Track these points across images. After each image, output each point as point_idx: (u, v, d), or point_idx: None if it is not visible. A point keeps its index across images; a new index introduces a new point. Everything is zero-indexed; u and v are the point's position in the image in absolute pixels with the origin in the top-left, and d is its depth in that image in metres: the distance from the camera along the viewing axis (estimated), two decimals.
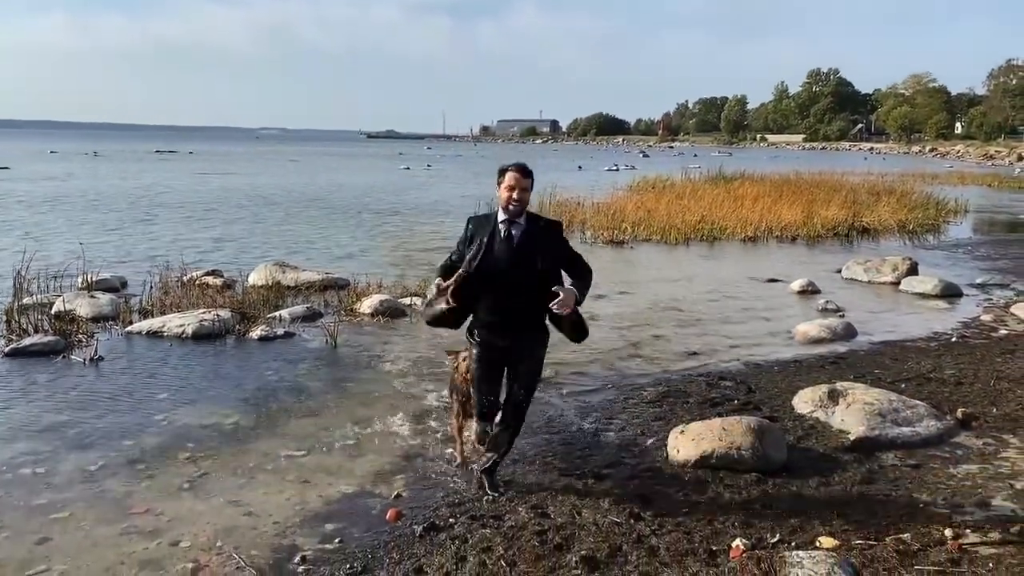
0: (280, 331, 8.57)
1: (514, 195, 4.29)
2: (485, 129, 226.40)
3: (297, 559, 3.98)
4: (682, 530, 4.23)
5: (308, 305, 9.69)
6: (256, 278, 11.05)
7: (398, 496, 4.75)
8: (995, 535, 4.16)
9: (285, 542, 4.18)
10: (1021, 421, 5.95)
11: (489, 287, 4.35)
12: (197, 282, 10.78)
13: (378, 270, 12.29)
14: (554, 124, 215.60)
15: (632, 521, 4.32)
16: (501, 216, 4.39)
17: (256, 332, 8.46)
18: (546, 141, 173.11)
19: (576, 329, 4.53)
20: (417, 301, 10.07)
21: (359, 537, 4.24)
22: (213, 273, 11.33)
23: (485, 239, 4.36)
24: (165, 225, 18.58)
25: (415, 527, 4.29)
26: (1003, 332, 8.93)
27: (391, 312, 9.54)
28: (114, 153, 68.02)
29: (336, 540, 4.19)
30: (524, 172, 4.37)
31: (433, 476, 5.07)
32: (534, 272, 4.31)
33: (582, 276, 4.45)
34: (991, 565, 3.83)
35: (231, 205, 24.00)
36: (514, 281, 4.32)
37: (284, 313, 9.26)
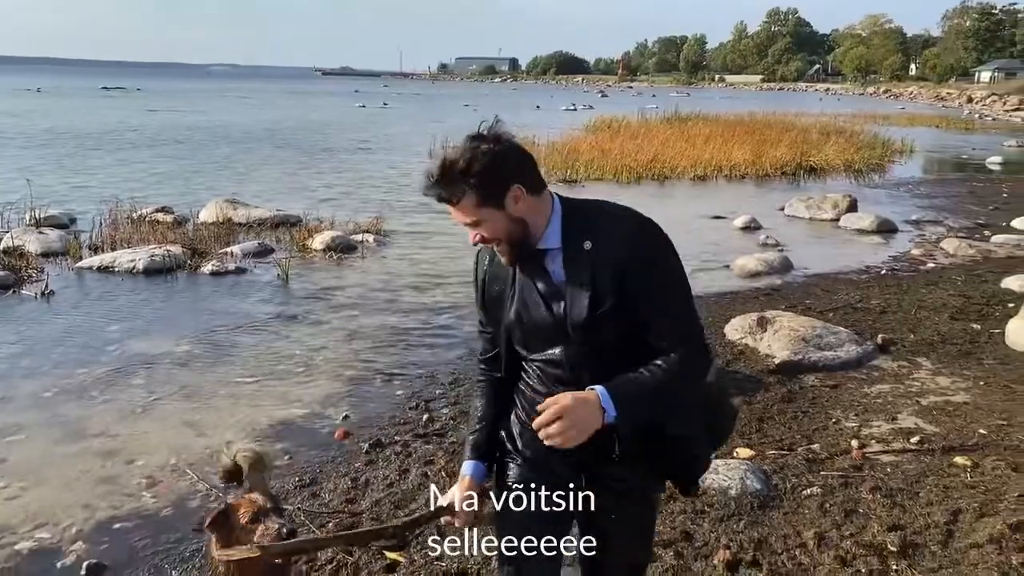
0: (231, 266, 8.67)
1: (473, 238, 1.96)
2: (443, 67, 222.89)
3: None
4: None
5: (260, 241, 9.77)
6: (207, 215, 11.06)
7: (346, 418, 4.99)
8: (896, 445, 4.53)
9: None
10: (935, 345, 6.35)
11: (533, 370, 2.06)
12: (147, 219, 10.75)
13: (331, 207, 12.34)
14: (513, 62, 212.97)
15: None
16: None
17: (207, 267, 8.55)
18: (505, 80, 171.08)
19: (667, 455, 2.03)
20: (369, 238, 10.22)
21: (308, 454, 4.48)
22: (163, 210, 11.29)
23: (509, 286, 2.04)
24: (113, 163, 18.28)
25: (362, 444, 4.55)
26: (930, 265, 9.37)
27: (343, 248, 9.67)
28: (58, 89, 65.80)
29: (286, 457, 4.43)
30: (451, 198, 1.88)
31: (381, 400, 5.31)
32: (608, 326, 1.90)
33: (660, 351, 1.89)
34: (889, 471, 4.20)
35: (181, 142, 23.60)
36: (575, 355, 1.95)
37: (235, 249, 9.33)
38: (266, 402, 5.21)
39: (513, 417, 2.10)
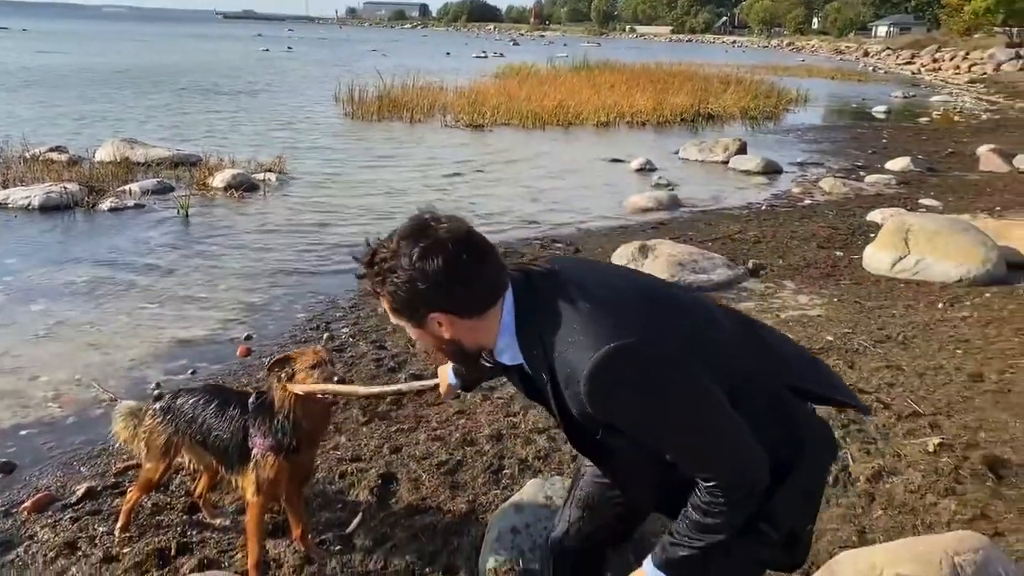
0: (130, 203, 8.64)
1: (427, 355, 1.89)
2: (352, 12, 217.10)
3: (152, 385, 4.43)
4: None
5: (159, 179, 9.69)
6: (104, 154, 10.85)
7: (248, 337, 5.21)
8: None
9: (139, 374, 4.62)
10: (800, 270, 6.96)
11: None
12: (40, 158, 10.49)
13: (232, 148, 12.23)
14: (423, 8, 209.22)
15: None
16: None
17: (106, 204, 8.50)
18: (415, 26, 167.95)
19: None
20: (271, 177, 10.27)
21: (210, 369, 4.71)
22: (57, 149, 11.01)
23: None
24: (2, 103, 17.49)
25: (263, 360, 4.79)
26: (807, 202, 10.05)
27: (245, 187, 9.68)
28: None
29: (189, 371, 4.65)
30: (373, 290, 1.68)
31: (281, 321, 5.55)
32: (611, 444, 1.71)
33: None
34: None
35: (74, 83, 22.61)
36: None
37: (134, 187, 9.25)
38: (167, 325, 5.39)
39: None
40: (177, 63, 34.09)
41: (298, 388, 2.54)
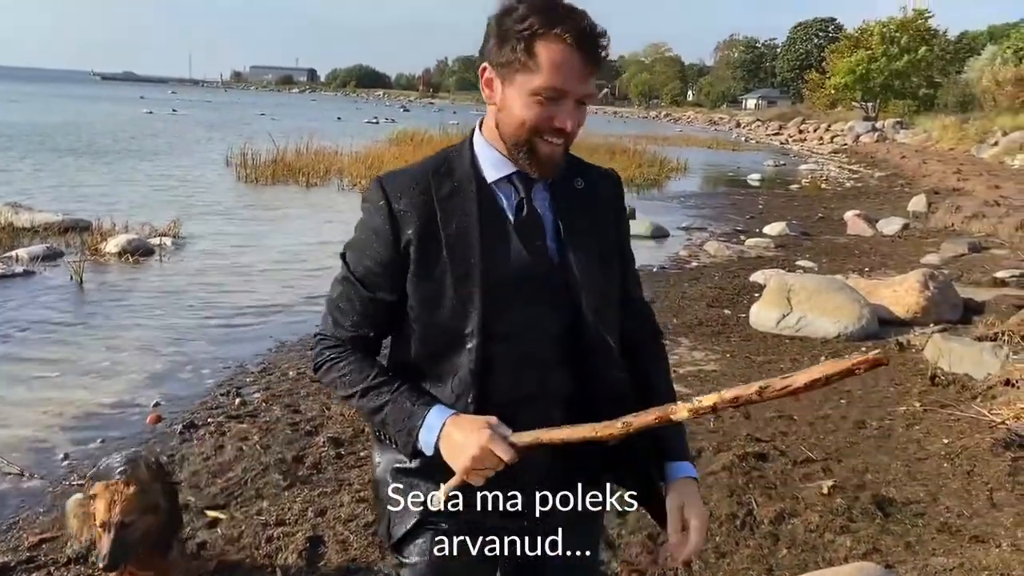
0: (19, 269, 8.31)
1: (569, 124, 1.46)
2: (237, 75, 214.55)
3: (60, 456, 4.30)
4: None
5: (48, 245, 9.36)
6: None
7: (156, 405, 5.12)
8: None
9: (46, 445, 4.46)
10: (694, 327, 7.35)
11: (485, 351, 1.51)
12: None
13: (123, 213, 11.91)
14: (312, 73, 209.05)
15: None
16: (495, 166, 1.54)
17: None
18: (303, 91, 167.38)
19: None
20: (167, 241, 10.08)
21: (120, 438, 4.60)
22: None
23: (475, 232, 1.50)
24: None
25: (175, 427, 4.73)
26: (694, 264, 10.64)
27: (140, 252, 9.47)
28: None
29: (98, 440, 4.53)
30: (600, 60, 1.45)
31: (190, 388, 5.47)
32: (613, 288, 1.63)
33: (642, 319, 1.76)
34: None
35: None
36: (572, 320, 1.56)
37: (22, 252, 8.90)
38: (71, 395, 5.22)
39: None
40: (56, 125, 32.86)
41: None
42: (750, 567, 3.37)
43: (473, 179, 1.52)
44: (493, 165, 1.53)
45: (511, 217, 1.52)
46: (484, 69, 1.50)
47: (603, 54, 1.45)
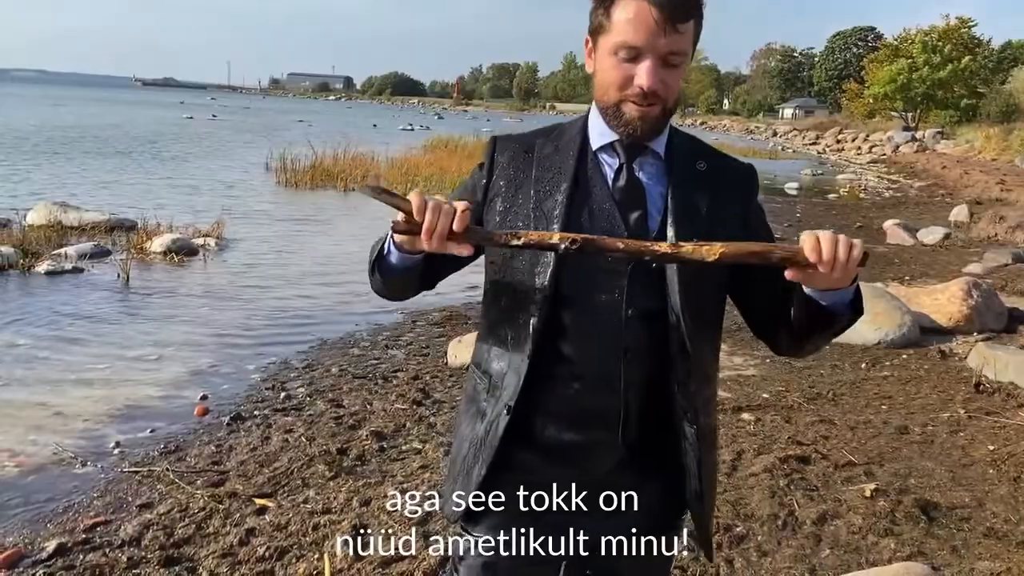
0: (68, 266, 8.52)
1: (647, 81, 1.40)
2: (275, 82, 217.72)
3: (112, 444, 4.41)
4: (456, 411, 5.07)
5: (96, 243, 9.58)
6: (36, 217, 10.65)
7: (204, 397, 5.23)
8: None
9: (98, 433, 4.58)
10: (732, 333, 7.27)
11: (565, 321, 1.49)
12: None
13: (168, 213, 12.15)
14: (348, 81, 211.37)
15: (415, 407, 5.09)
16: (601, 134, 1.52)
17: (42, 267, 8.36)
18: (339, 98, 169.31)
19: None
20: (211, 242, 10.27)
21: (169, 428, 4.71)
22: None
23: (564, 187, 1.49)
24: None
25: (222, 419, 4.82)
26: None
27: (184, 251, 9.66)
28: None
29: (148, 430, 4.64)
30: (688, 13, 1.41)
31: (236, 382, 5.57)
32: (715, 280, 1.53)
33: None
34: None
35: None
36: (647, 307, 1.47)
37: (71, 250, 9.11)
38: (120, 386, 5.35)
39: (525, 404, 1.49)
40: (102, 127, 33.58)
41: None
42: (792, 566, 3.36)
43: (578, 143, 1.52)
44: (600, 133, 1.52)
45: (609, 184, 1.49)
46: (586, 41, 1.51)
47: (685, 7, 1.39)
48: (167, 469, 4.05)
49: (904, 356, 6.61)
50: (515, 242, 1.35)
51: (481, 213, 1.53)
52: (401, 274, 1.50)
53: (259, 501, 3.75)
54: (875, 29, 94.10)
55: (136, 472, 4.07)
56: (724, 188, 1.53)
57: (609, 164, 1.51)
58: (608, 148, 1.51)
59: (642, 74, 1.39)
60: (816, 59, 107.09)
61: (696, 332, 1.48)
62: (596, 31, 1.45)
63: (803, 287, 1.39)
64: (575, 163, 1.50)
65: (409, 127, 50.88)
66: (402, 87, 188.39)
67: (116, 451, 4.32)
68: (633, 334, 1.46)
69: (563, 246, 1.32)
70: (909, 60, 49.19)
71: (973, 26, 51.53)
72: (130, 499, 3.80)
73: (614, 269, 1.45)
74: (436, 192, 14.47)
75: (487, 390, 1.54)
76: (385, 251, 1.50)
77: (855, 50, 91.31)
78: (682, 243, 1.34)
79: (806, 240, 1.32)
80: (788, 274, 1.33)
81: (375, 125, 52.09)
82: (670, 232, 1.45)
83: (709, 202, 1.49)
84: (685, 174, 1.50)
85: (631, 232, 1.44)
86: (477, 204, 1.52)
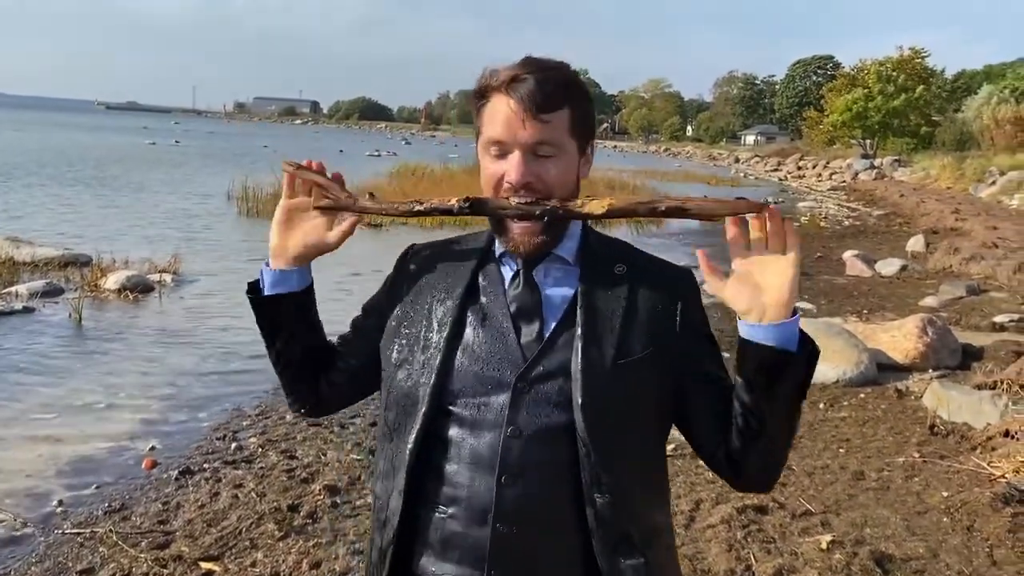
0: (18, 306, 8.31)
1: (523, 177, 1.34)
2: (240, 106, 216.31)
3: (55, 502, 4.27)
4: None
5: (48, 281, 9.38)
6: None
7: (152, 449, 5.10)
8: None
9: (40, 491, 4.44)
10: None
11: (447, 438, 1.37)
12: None
13: (124, 247, 11.96)
14: (314, 105, 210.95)
15: (371, 456, 5.00)
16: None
17: None
18: (306, 122, 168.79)
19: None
20: (167, 278, 10.10)
21: (115, 483, 4.58)
22: None
23: (457, 293, 1.44)
24: None
25: (170, 472, 4.70)
26: None
27: (139, 288, 9.48)
28: None
29: (93, 486, 4.51)
30: (550, 102, 1.32)
31: (186, 432, 5.45)
32: (631, 392, 1.36)
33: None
34: None
35: None
36: (540, 424, 1.33)
37: (22, 288, 8.91)
38: (67, 438, 5.20)
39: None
40: (59, 154, 33.06)
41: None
42: None
43: (483, 248, 1.47)
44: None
45: (506, 290, 1.41)
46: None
47: (548, 97, 1.32)
48: (110, 530, 3.92)
49: (862, 395, 6.65)
50: (417, 207, 1.42)
51: (376, 309, 1.55)
52: (275, 309, 1.56)
53: (205, 565, 3.65)
54: (834, 58, 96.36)
55: (78, 534, 3.94)
56: (645, 290, 1.42)
57: (510, 268, 1.44)
58: (509, 254, 1.43)
59: (510, 169, 1.34)
60: (777, 86, 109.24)
61: (613, 460, 1.31)
62: (477, 132, 1.42)
63: (744, 343, 1.34)
64: (474, 268, 1.45)
65: (376, 153, 50.87)
66: (369, 112, 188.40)
67: (59, 510, 4.18)
68: (514, 456, 1.31)
69: (456, 206, 1.36)
70: (865, 90, 50.33)
71: (926, 56, 52.96)
72: (70, 564, 3.66)
73: (499, 380, 1.34)
74: (400, 221, 14.27)
75: (378, 510, 1.44)
76: (260, 284, 1.55)
77: (815, 78, 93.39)
78: (574, 200, 1.38)
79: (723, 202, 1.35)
80: (730, 233, 1.36)
81: (341, 151, 51.89)
82: (578, 346, 1.34)
83: (625, 305, 1.39)
84: (598, 278, 1.42)
85: (522, 340, 1.36)
86: (376, 302, 1.56)
